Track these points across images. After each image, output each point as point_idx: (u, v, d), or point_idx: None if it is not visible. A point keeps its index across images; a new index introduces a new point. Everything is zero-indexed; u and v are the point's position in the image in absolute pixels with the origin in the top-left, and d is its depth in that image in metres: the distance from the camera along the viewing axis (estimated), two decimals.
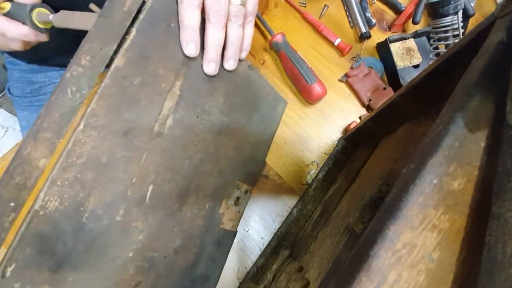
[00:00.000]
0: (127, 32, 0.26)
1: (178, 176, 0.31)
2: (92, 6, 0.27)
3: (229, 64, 0.33)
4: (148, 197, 0.29)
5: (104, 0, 0.25)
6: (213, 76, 0.32)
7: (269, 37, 0.47)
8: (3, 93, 1.19)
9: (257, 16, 0.49)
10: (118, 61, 0.25)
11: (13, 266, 0.22)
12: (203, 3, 0.28)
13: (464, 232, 0.14)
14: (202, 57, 0.31)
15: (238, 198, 0.38)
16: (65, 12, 0.34)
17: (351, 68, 0.48)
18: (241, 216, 0.38)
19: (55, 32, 0.47)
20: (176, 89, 0.29)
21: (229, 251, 0.37)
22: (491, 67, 0.14)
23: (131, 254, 0.28)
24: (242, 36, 0.32)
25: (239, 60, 0.34)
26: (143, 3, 0.26)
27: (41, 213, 0.22)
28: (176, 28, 0.28)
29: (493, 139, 0.14)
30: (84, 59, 0.24)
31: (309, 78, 0.44)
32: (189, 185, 0.32)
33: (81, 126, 0.24)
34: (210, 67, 0.31)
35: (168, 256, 0.31)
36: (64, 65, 0.60)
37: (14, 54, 0.59)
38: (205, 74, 0.31)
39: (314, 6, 0.52)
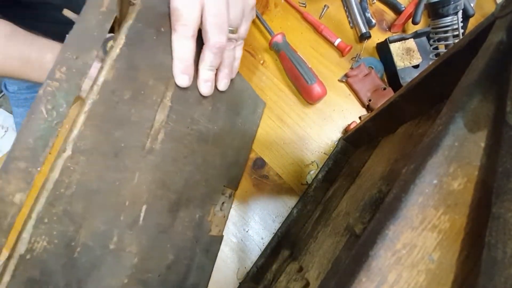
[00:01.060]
0: (114, 39, 0.23)
1: (169, 192, 0.29)
2: (66, 11, 0.23)
3: (223, 84, 0.33)
4: (141, 218, 0.27)
5: None
6: None
7: (269, 37, 0.47)
8: (3, 93, 1.19)
9: (257, 16, 0.49)
10: (106, 74, 0.22)
11: None
12: (200, 30, 0.28)
13: (464, 232, 0.14)
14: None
15: (223, 203, 0.38)
16: None
17: (351, 68, 0.48)
18: (226, 220, 0.38)
19: (54, 31, 0.47)
20: (167, 100, 0.28)
21: (216, 256, 0.37)
22: (491, 67, 0.14)
23: (126, 281, 0.27)
24: (234, 58, 0.33)
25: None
26: (130, 2, 0.23)
27: (28, 257, 0.20)
28: (166, 33, 0.26)
29: (493, 139, 0.14)
30: (59, 71, 0.20)
31: (309, 78, 0.44)
32: (179, 199, 0.31)
33: (69, 152, 0.21)
34: (206, 88, 0.31)
35: (162, 274, 0.30)
36: None
37: None
38: (193, 84, 0.30)
39: (314, 6, 0.52)
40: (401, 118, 0.30)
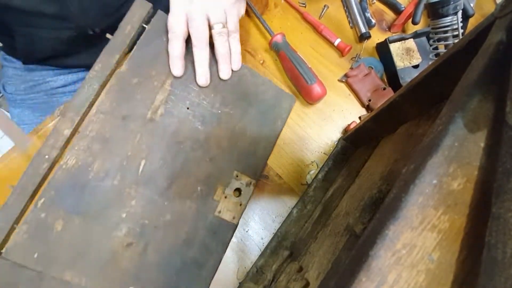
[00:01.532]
0: (130, 48, 0.37)
1: (168, 157, 0.36)
2: (108, 35, 0.37)
3: (224, 74, 0.39)
4: (140, 170, 0.35)
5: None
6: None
7: (269, 37, 0.47)
8: (2, 94, 1.19)
9: (257, 16, 0.49)
10: (122, 68, 0.36)
11: (42, 200, 0.32)
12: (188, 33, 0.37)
13: (464, 233, 0.14)
14: (192, 63, 0.38)
15: (239, 190, 0.38)
16: None
17: (351, 68, 0.48)
18: (243, 209, 0.38)
19: (50, 37, 0.48)
20: (166, 86, 0.37)
21: (227, 243, 0.37)
22: (491, 67, 0.14)
23: (124, 215, 0.34)
24: (229, 50, 0.39)
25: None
26: (142, 28, 0.37)
27: (64, 167, 0.33)
28: (167, 41, 0.37)
29: (493, 139, 0.14)
30: (97, 66, 0.35)
31: (309, 79, 0.44)
32: (178, 167, 0.36)
33: (94, 110, 0.35)
34: (202, 80, 0.38)
35: (158, 227, 0.35)
36: (58, 66, 0.60)
37: (10, 52, 0.59)
38: (192, 76, 0.38)
39: (314, 6, 0.52)
40: (401, 118, 0.30)
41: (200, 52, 0.37)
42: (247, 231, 0.42)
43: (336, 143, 0.45)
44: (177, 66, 0.37)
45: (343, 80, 0.48)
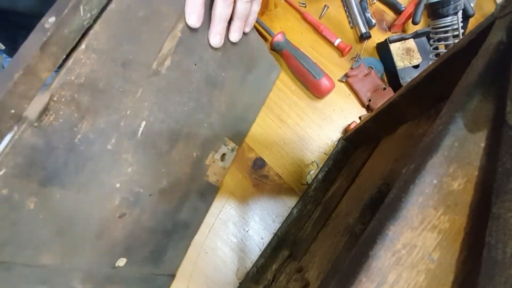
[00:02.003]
0: None
1: (170, 119, 0.32)
2: None
3: (234, 36, 0.34)
4: (140, 132, 0.29)
5: None
6: None
7: (269, 39, 0.47)
8: None
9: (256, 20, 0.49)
10: None
11: (2, 172, 0.22)
12: None
13: (464, 233, 0.14)
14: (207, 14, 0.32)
15: (224, 154, 0.39)
16: None
17: (351, 68, 0.48)
18: (226, 173, 0.39)
19: None
20: (177, 31, 0.30)
21: (211, 204, 0.39)
22: (491, 67, 0.14)
23: (118, 185, 0.29)
24: (249, 12, 0.34)
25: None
26: None
27: (35, 125, 0.22)
28: None
29: (493, 139, 0.14)
30: None
31: (316, 73, 0.44)
32: (180, 130, 0.33)
33: (83, 46, 0.23)
34: (216, 39, 0.33)
35: (154, 194, 0.32)
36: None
37: (13, 55, 0.59)
38: (205, 24, 0.32)
39: (314, 7, 0.52)
40: (401, 118, 0.30)
41: (225, 7, 0.31)
42: (247, 231, 0.42)
43: (336, 143, 0.45)
44: (195, 14, 0.30)
45: (343, 80, 0.48)
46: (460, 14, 0.42)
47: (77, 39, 0.23)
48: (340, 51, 0.49)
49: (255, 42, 0.38)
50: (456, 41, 0.43)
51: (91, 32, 0.23)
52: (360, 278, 0.13)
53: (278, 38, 0.46)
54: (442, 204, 0.13)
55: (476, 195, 0.14)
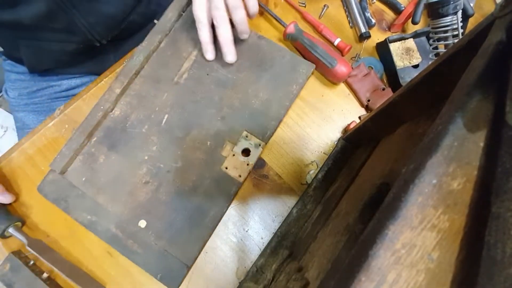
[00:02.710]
0: (169, 30, 0.46)
1: (186, 113, 0.43)
2: (155, 21, 0.47)
3: (243, 36, 0.43)
4: (163, 122, 0.43)
5: None
6: None
7: (282, 29, 0.47)
8: (2, 93, 1.19)
9: (266, 10, 0.49)
10: (162, 45, 0.46)
11: (95, 139, 0.42)
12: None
13: (463, 232, 0.14)
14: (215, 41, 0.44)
15: (247, 150, 0.42)
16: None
17: (351, 67, 0.48)
18: (250, 169, 0.42)
19: (56, 50, 0.49)
20: (192, 56, 0.45)
21: (231, 197, 0.41)
22: (490, 67, 0.14)
23: (146, 157, 0.42)
24: (244, 8, 0.41)
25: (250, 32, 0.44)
26: (180, 15, 0.46)
27: (112, 116, 0.43)
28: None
29: (492, 139, 0.14)
30: (144, 42, 0.45)
31: (329, 63, 0.44)
32: (193, 121, 0.43)
33: (137, 75, 0.44)
34: (230, 57, 0.43)
35: (170, 171, 0.41)
36: (63, 75, 0.60)
37: (14, 59, 0.59)
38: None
39: (314, 6, 0.52)
40: (401, 118, 0.30)
41: (224, 32, 0.40)
42: (247, 231, 0.42)
43: (336, 143, 0.45)
44: (209, 51, 0.43)
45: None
46: (459, 14, 0.42)
47: (133, 72, 0.43)
48: (340, 50, 0.49)
49: (266, 47, 0.45)
50: (456, 41, 0.43)
51: (143, 67, 0.45)
52: (359, 278, 0.13)
53: (290, 29, 0.46)
54: (442, 203, 0.13)
55: (476, 195, 0.14)
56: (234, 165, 0.41)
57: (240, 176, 0.41)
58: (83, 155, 0.41)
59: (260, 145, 0.42)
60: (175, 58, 0.45)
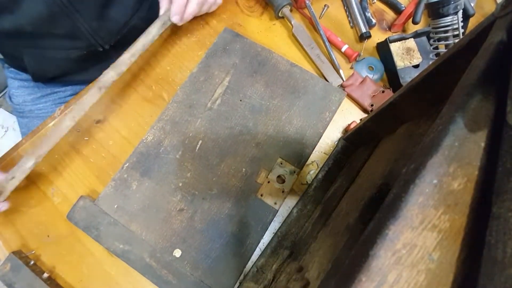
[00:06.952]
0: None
1: (220, 139, 0.43)
2: None
3: (173, 19, 0.43)
4: (197, 148, 0.43)
5: None
6: (254, 72, 0.46)
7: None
8: (3, 93, 1.19)
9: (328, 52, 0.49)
10: (194, 70, 0.46)
11: (127, 164, 0.42)
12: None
13: (464, 232, 0.13)
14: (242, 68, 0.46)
15: (282, 177, 0.42)
16: None
17: (351, 68, 0.48)
18: (285, 196, 0.41)
19: (59, 57, 0.49)
20: (225, 82, 0.46)
21: (267, 225, 0.40)
22: (491, 67, 0.14)
23: (180, 184, 0.41)
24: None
25: (281, 59, 0.46)
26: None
27: (144, 141, 0.43)
28: (229, 50, 0.47)
29: (493, 139, 0.14)
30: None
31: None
32: (228, 148, 0.43)
33: (170, 102, 0.45)
34: (175, 18, 0.43)
35: (206, 199, 0.41)
36: (67, 83, 0.60)
37: (18, 67, 0.59)
38: (246, 74, 0.46)
39: (314, 6, 0.52)
40: (401, 118, 0.30)
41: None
42: None
43: (336, 143, 0.45)
44: (177, 15, 0.43)
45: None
46: (460, 13, 0.42)
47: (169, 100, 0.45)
48: (348, 57, 0.48)
49: (299, 74, 0.46)
50: (456, 40, 0.43)
51: (175, 93, 0.45)
52: (360, 278, 0.13)
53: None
54: (442, 203, 0.13)
55: (476, 195, 0.14)
56: (270, 192, 0.41)
57: (275, 203, 0.40)
58: (115, 181, 0.41)
59: (295, 172, 0.42)
60: (208, 84, 0.45)
